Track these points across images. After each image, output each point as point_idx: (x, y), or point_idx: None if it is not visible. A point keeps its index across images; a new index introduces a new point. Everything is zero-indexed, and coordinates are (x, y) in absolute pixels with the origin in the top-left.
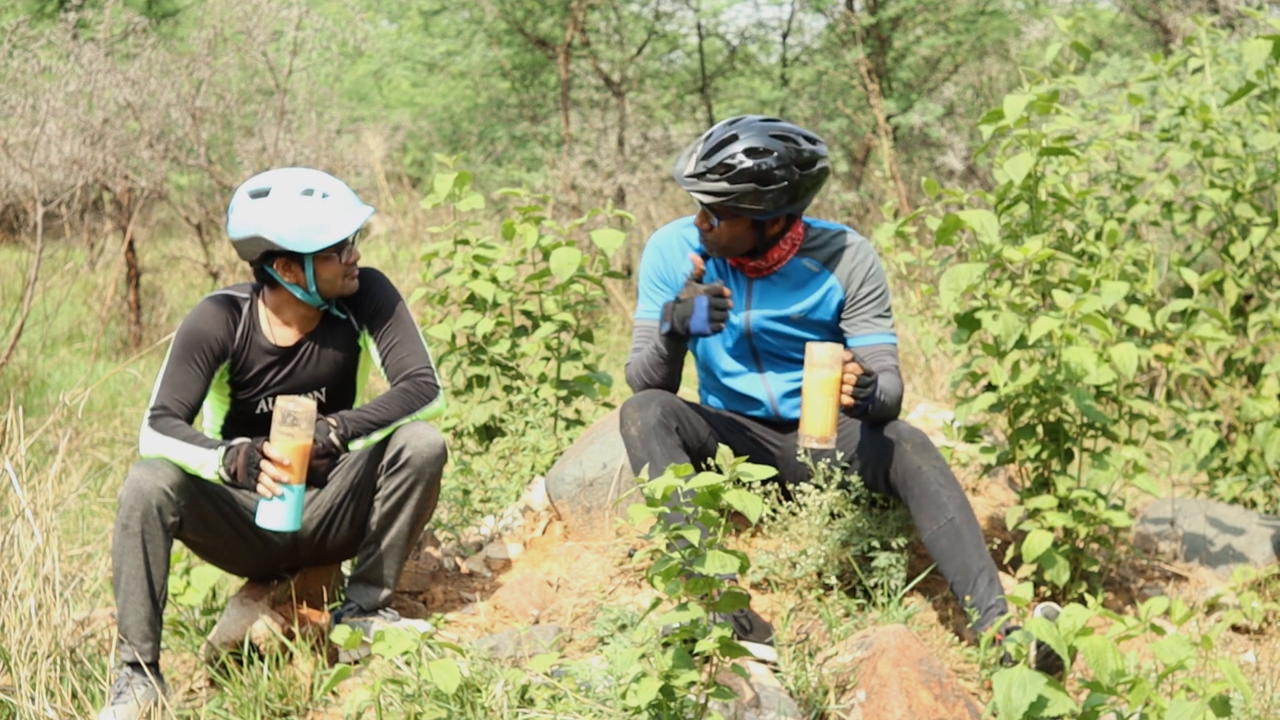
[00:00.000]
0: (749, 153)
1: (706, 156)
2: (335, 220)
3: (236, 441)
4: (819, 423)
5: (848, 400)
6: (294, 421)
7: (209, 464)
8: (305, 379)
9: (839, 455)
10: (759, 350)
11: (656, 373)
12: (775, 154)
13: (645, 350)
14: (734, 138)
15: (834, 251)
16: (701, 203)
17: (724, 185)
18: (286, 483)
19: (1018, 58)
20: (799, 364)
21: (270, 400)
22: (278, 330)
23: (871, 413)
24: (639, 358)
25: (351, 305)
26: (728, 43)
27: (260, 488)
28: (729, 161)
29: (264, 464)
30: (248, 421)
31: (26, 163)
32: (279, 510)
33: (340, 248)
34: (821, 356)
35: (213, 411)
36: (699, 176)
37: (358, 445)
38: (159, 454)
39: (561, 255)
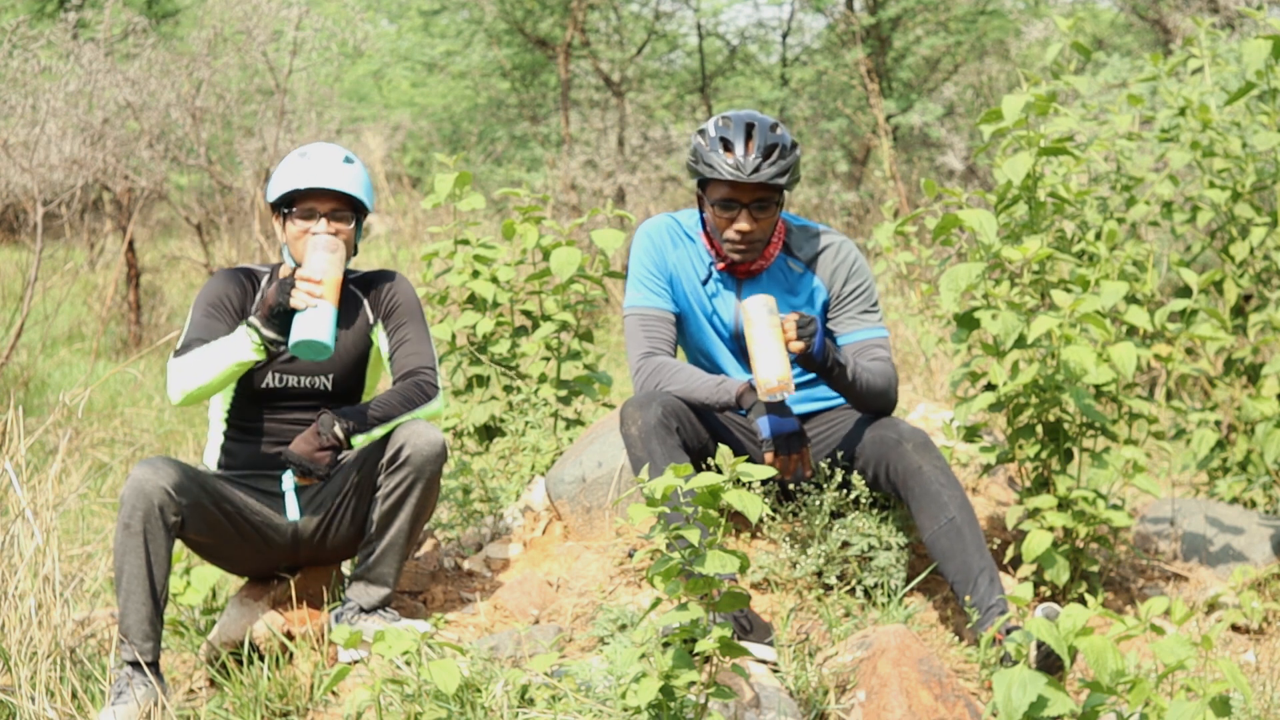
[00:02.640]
0: (773, 129)
1: (748, 147)
2: (296, 175)
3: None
4: (773, 366)
5: (795, 345)
6: (318, 248)
7: (240, 338)
8: (313, 362)
9: (839, 454)
10: (747, 351)
11: (678, 395)
12: (781, 127)
13: (696, 385)
14: (753, 124)
15: (815, 251)
16: (760, 196)
17: (784, 164)
18: (319, 297)
19: (1018, 58)
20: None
21: (277, 376)
22: None
23: (858, 388)
24: (680, 378)
25: (370, 299)
26: (728, 43)
27: (295, 300)
28: (773, 141)
29: (298, 282)
30: (255, 397)
31: (26, 163)
32: (315, 319)
33: (302, 214)
34: (754, 309)
35: (221, 394)
36: (759, 169)
37: (359, 440)
38: (191, 376)
39: (561, 255)
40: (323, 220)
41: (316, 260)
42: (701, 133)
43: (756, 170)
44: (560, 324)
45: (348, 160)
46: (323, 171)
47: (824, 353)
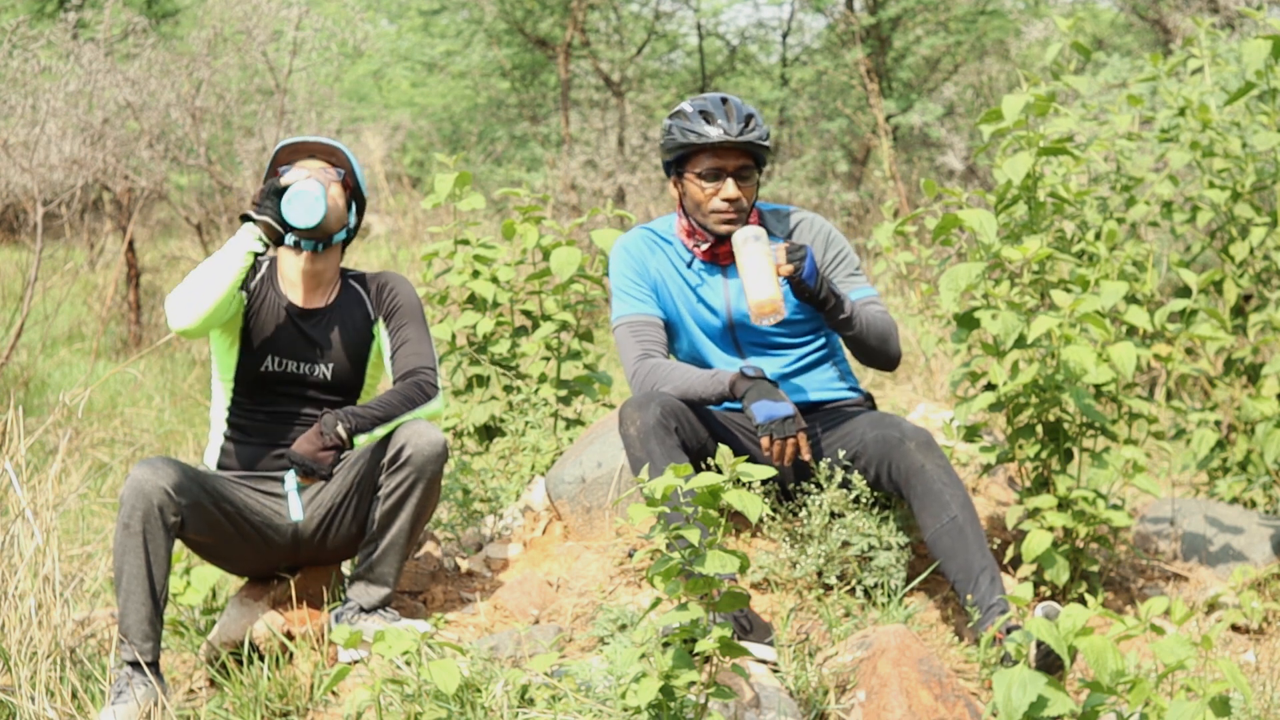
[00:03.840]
0: (741, 104)
1: (727, 118)
2: (291, 138)
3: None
4: (763, 287)
5: (785, 269)
6: (307, 171)
7: (239, 234)
8: (313, 345)
9: (840, 454)
10: (741, 341)
11: (675, 393)
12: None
13: (691, 380)
14: (726, 99)
15: (790, 228)
16: (743, 163)
17: (763, 130)
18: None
19: (1018, 58)
20: (780, 348)
21: (276, 360)
22: (291, 290)
23: (857, 324)
24: (675, 376)
25: (373, 296)
26: (728, 43)
27: (284, 178)
28: (749, 111)
29: (286, 176)
30: (255, 385)
31: (26, 163)
32: (306, 184)
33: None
34: (743, 238)
35: (220, 391)
36: (743, 132)
37: (361, 440)
38: (194, 293)
39: (561, 255)
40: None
41: (300, 175)
42: (678, 113)
43: (742, 133)
44: (560, 324)
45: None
46: (308, 136)
47: (817, 280)
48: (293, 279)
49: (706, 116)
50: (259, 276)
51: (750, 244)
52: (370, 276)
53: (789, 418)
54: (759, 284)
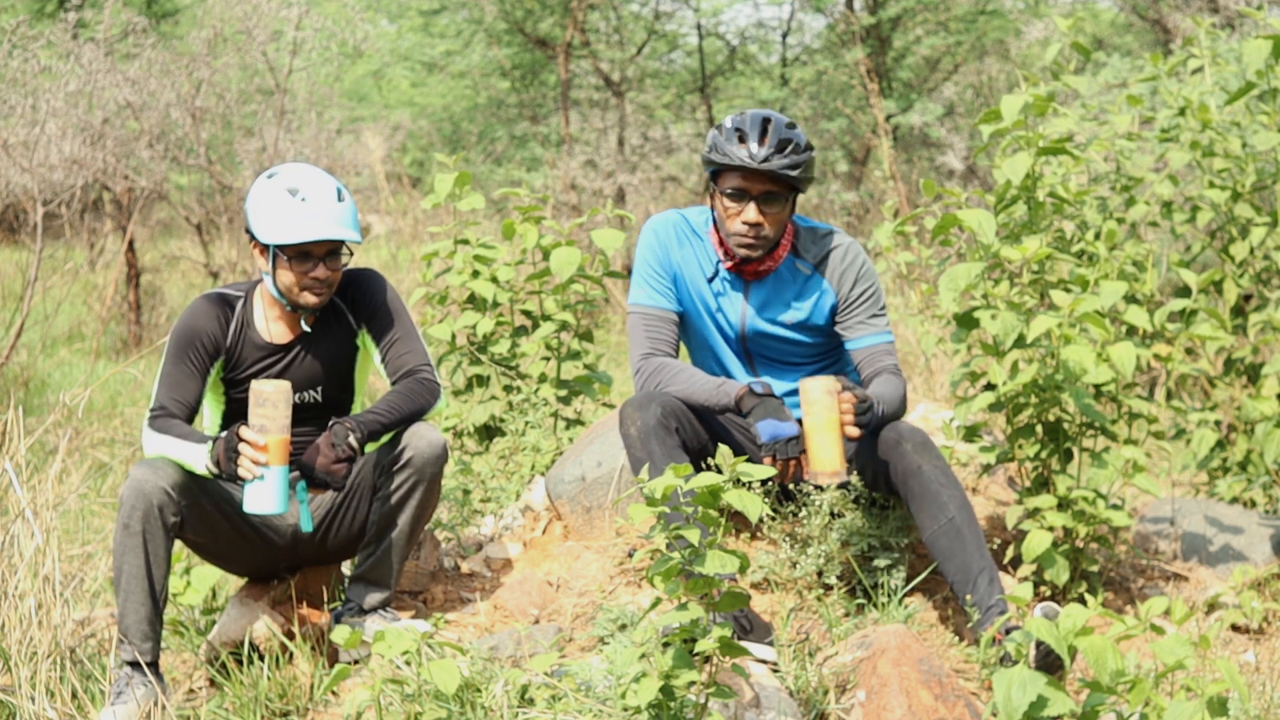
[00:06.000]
0: (790, 127)
1: (762, 139)
2: (296, 224)
3: (224, 433)
4: (828, 459)
5: (852, 431)
6: (262, 401)
7: (200, 458)
8: (300, 376)
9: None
10: (753, 354)
11: (679, 397)
12: (798, 128)
13: (696, 386)
14: (768, 119)
15: (824, 253)
16: (769, 189)
17: (795, 159)
18: (265, 464)
19: (1018, 58)
20: (791, 366)
21: None
22: (273, 326)
23: (881, 423)
24: (680, 379)
25: (349, 304)
26: (728, 42)
27: (240, 470)
28: (788, 137)
29: (241, 446)
30: (244, 420)
31: (26, 163)
32: (261, 492)
33: (296, 255)
34: (816, 393)
35: (211, 411)
36: (770, 159)
37: (371, 446)
38: (159, 454)
39: (561, 255)
40: (310, 285)
41: (259, 415)
42: (719, 126)
43: (767, 160)
44: (560, 324)
45: (340, 198)
46: (323, 219)
47: (871, 424)
48: (277, 314)
49: (740, 135)
50: (232, 325)
51: (822, 400)
52: (343, 280)
53: (793, 439)
54: (825, 453)
